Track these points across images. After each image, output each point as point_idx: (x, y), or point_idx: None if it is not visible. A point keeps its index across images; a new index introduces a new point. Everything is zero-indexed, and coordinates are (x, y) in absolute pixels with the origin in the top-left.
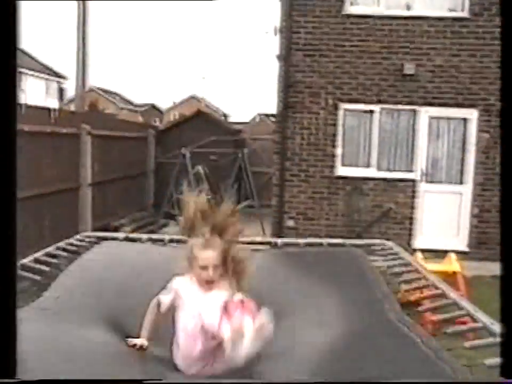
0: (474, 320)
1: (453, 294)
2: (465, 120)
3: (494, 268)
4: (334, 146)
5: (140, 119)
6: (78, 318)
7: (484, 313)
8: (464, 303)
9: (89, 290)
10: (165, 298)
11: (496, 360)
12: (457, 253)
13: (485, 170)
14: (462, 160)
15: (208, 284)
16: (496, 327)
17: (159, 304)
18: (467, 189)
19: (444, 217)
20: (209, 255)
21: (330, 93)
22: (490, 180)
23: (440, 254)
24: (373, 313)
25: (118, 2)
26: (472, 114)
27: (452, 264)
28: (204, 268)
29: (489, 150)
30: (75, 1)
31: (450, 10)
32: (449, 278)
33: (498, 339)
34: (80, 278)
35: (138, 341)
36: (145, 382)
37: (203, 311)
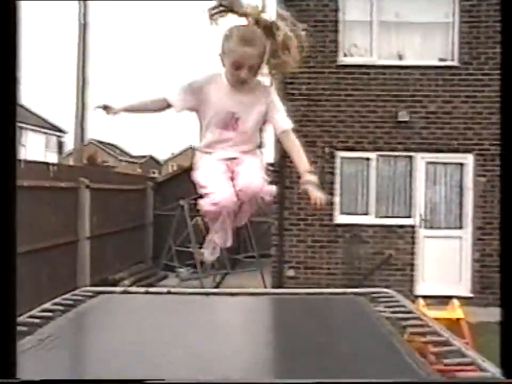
0: (481, 369)
1: (456, 342)
2: (461, 164)
3: (497, 313)
4: (331, 194)
5: (139, 170)
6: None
7: (490, 363)
8: (469, 352)
9: (78, 335)
10: (177, 99)
11: None
12: (460, 298)
13: (484, 214)
14: (460, 204)
15: (239, 83)
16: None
17: (166, 103)
18: (467, 234)
19: (445, 263)
20: (248, 51)
21: (327, 142)
22: (489, 224)
23: (443, 301)
24: (385, 353)
25: (114, 53)
26: (468, 159)
27: (455, 311)
28: (238, 66)
29: (487, 194)
30: (75, 56)
31: (441, 59)
32: (453, 325)
33: None
34: (68, 324)
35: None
36: (146, 381)
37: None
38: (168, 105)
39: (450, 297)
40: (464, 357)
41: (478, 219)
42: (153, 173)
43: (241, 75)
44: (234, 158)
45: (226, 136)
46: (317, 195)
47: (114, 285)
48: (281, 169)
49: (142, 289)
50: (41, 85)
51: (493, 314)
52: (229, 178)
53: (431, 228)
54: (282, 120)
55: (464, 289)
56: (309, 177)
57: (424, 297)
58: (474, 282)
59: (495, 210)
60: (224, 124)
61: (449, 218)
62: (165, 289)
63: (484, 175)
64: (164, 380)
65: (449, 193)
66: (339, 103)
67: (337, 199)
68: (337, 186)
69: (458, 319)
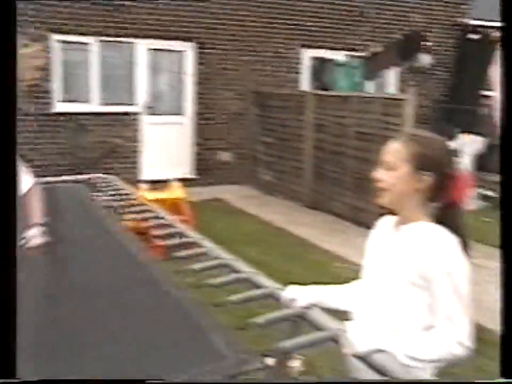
0: (198, 245)
1: (172, 220)
2: (183, 52)
3: (216, 191)
4: (49, 81)
5: None
6: None
7: (205, 238)
8: (183, 228)
9: None
10: None
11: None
12: (184, 180)
13: (203, 101)
14: (182, 91)
15: None
16: (216, 250)
17: None
18: (187, 119)
19: (169, 148)
20: None
21: (43, 22)
22: (208, 110)
23: (167, 184)
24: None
25: None
26: (189, 47)
27: (175, 192)
28: None
29: (207, 82)
30: None
31: None
32: (175, 205)
33: (221, 261)
34: None
35: None
36: (147, 381)
37: None
38: None
39: (173, 180)
40: (173, 228)
41: (197, 105)
42: None
43: None
44: None
45: None
46: None
47: None
48: None
49: None
50: None
51: (212, 192)
52: None
53: (155, 114)
54: None
55: (187, 172)
56: None
57: (150, 182)
58: (196, 164)
59: (213, 97)
60: None
61: (172, 105)
62: None
63: (203, 63)
64: (164, 380)
65: (171, 80)
66: None
67: (55, 86)
68: (54, 72)
69: (178, 199)
